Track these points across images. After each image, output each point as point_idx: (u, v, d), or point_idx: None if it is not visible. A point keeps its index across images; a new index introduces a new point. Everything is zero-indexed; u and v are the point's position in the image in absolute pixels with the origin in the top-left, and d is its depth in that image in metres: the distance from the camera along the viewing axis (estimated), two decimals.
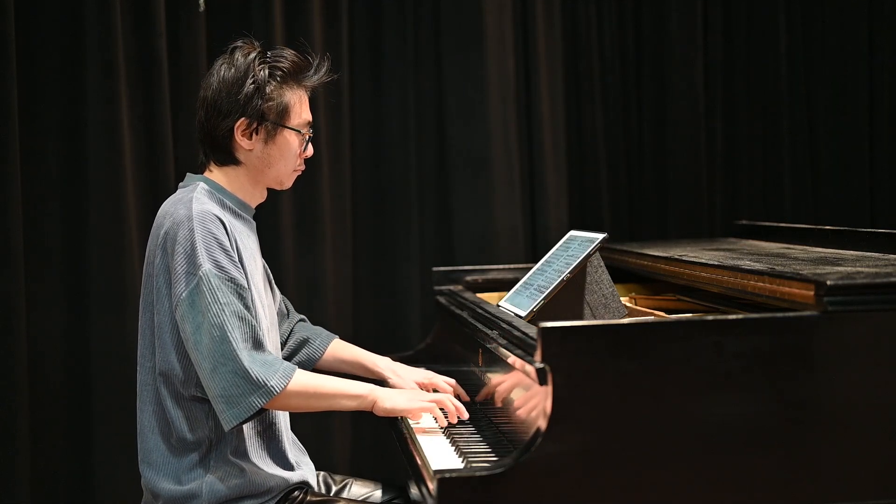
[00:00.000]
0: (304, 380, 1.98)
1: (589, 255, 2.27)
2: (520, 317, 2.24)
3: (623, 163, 3.97)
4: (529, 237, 3.78)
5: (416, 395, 2.14)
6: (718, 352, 1.75)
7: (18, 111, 2.95)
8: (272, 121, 2.08)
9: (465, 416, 2.12)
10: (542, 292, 2.26)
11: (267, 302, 2.18)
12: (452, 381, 2.37)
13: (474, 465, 1.90)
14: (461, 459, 1.95)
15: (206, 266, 1.94)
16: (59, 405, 3.09)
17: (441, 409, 2.13)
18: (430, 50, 3.70)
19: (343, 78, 3.54)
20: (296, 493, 2.13)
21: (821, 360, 1.78)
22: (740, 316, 1.84)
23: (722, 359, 1.75)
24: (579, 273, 2.27)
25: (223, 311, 1.92)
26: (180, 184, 2.18)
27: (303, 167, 2.19)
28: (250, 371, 1.91)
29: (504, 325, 2.12)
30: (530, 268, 2.53)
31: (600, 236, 2.29)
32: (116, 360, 3.09)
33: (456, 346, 2.60)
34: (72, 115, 3.10)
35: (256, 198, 2.18)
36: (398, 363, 2.44)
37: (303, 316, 2.54)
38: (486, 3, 3.67)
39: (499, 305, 2.45)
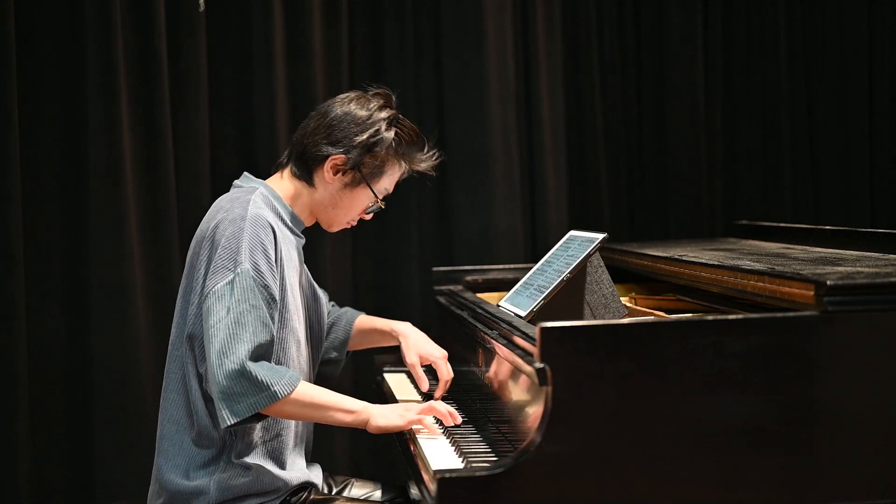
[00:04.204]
0: (304, 390, 1.99)
1: (589, 255, 2.27)
2: (520, 317, 2.24)
3: (623, 163, 3.97)
4: (529, 237, 3.78)
5: (407, 409, 2.12)
6: (718, 352, 1.75)
7: (18, 111, 2.96)
8: (363, 174, 2.13)
9: (458, 420, 2.12)
10: (542, 292, 2.26)
11: (304, 316, 2.19)
12: (444, 352, 2.42)
13: (474, 465, 1.90)
14: (461, 459, 1.95)
15: (246, 265, 1.96)
16: (59, 405, 3.09)
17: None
18: (430, 50, 3.70)
19: (343, 78, 3.54)
20: (300, 493, 2.13)
21: (821, 360, 1.78)
22: (740, 316, 1.84)
23: (722, 359, 1.75)
24: (579, 273, 2.27)
25: (250, 312, 1.94)
26: (236, 181, 2.21)
27: (355, 224, 2.25)
28: (256, 374, 1.91)
29: (504, 325, 2.12)
30: (530, 268, 2.53)
31: (600, 236, 2.29)
32: (116, 360, 3.10)
33: (456, 346, 2.60)
34: (72, 115, 3.10)
35: (306, 219, 2.21)
36: (415, 329, 2.48)
37: (332, 302, 2.57)
38: (486, 3, 3.67)
39: (499, 305, 2.45)
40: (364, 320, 2.49)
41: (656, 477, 1.73)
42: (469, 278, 3.02)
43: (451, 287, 2.95)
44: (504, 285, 2.89)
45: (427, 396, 2.42)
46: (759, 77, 4.01)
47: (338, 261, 3.58)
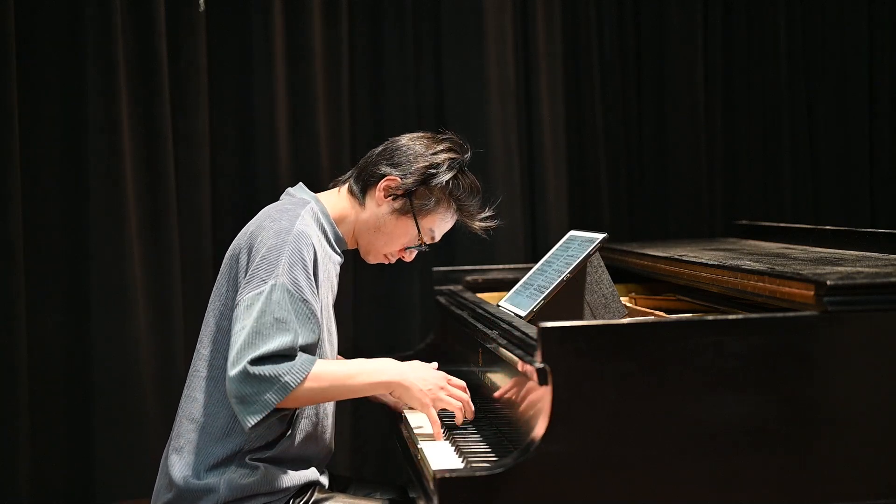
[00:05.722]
0: (319, 372, 1.95)
1: (589, 255, 2.27)
2: (520, 317, 2.24)
3: (623, 163, 3.97)
4: (529, 237, 3.78)
5: (438, 398, 2.06)
6: (718, 352, 1.75)
7: (19, 111, 2.96)
8: (413, 205, 2.14)
9: (470, 416, 2.11)
10: (542, 292, 2.26)
11: (333, 333, 2.20)
12: None
13: (474, 465, 1.90)
14: (461, 459, 1.95)
15: (282, 279, 1.94)
16: (59, 405, 3.09)
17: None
18: (430, 50, 3.70)
19: (343, 78, 3.54)
20: (304, 492, 2.13)
21: (821, 360, 1.78)
22: (740, 316, 1.84)
23: (722, 359, 1.75)
24: (579, 273, 2.27)
25: (273, 325, 1.90)
26: (289, 188, 2.21)
27: (393, 261, 2.24)
28: (260, 372, 1.88)
29: (504, 325, 2.11)
30: (530, 268, 2.53)
31: (600, 236, 2.29)
32: (116, 360, 3.10)
33: (456, 346, 2.60)
34: (72, 115, 3.10)
35: (350, 241, 2.21)
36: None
37: None
38: (486, 3, 3.67)
39: (499, 305, 2.45)
40: None
41: (656, 477, 1.73)
42: (469, 278, 3.02)
43: (451, 287, 2.95)
44: (504, 285, 2.89)
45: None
46: (759, 77, 4.02)
47: None
